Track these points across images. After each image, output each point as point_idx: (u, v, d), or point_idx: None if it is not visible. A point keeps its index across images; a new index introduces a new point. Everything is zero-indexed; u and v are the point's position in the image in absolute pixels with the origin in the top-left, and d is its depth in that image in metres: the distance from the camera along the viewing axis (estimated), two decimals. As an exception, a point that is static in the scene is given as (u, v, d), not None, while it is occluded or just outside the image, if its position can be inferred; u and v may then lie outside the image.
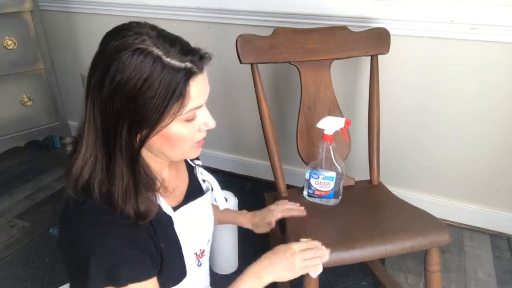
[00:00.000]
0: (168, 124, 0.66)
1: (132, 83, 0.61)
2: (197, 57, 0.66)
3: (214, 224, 0.98)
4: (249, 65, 1.24)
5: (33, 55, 1.91)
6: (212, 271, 1.51)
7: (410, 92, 1.61)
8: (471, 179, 1.68)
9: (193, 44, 0.69)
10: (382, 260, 1.55)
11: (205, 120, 0.72)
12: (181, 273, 0.80)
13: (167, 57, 0.62)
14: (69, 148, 2.10)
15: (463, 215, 1.74)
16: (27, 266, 1.54)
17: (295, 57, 1.27)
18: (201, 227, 0.89)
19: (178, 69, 0.63)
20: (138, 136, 0.66)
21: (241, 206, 1.45)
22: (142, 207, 0.68)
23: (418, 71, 1.56)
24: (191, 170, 0.93)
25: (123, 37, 0.62)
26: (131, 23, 0.66)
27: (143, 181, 0.70)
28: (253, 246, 1.58)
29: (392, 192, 1.30)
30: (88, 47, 2.18)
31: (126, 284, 0.67)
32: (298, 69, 1.29)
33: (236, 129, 2.02)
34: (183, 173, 0.89)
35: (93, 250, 0.65)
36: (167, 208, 0.77)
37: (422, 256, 1.15)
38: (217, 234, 1.42)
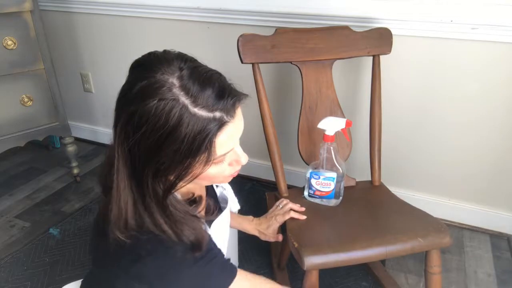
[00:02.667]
0: (197, 173, 0.63)
1: (157, 135, 0.57)
2: (230, 103, 0.61)
3: None
4: (250, 65, 1.24)
5: (33, 55, 1.91)
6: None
7: (410, 92, 1.61)
8: (471, 179, 1.68)
9: (229, 80, 0.65)
10: (383, 261, 1.55)
11: (236, 157, 0.69)
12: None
13: (195, 106, 0.57)
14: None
15: (463, 215, 1.75)
16: (27, 266, 1.53)
17: (297, 57, 1.27)
18: (226, 235, 0.89)
19: (206, 120, 0.58)
20: (163, 182, 0.64)
21: (241, 206, 1.45)
22: (192, 238, 0.66)
23: (418, 71, 1.57)
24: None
25: (150, 77, 0.57)
26: (160, 56, 0.61)
27: (179, 217, 0.66)
28: (253, 246, 1.58)
29: (393, 192, 1.30)
30: (88, 47, 2.18)
31: None
32: (299, 69, 1.29)
33: (236, 129, 2.01)
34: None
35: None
36: (205, 225, 0.74)
37: (422, 256, 1.15)
38: (217, 234, 1.42)
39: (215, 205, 0.84)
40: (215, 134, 0.59)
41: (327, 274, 1.48)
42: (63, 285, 0.93)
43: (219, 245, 0.78)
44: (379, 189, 1.33)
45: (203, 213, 0.75)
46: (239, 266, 1.52)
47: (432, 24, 1.45)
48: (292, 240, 1.06)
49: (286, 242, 1.13)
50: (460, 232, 1.73)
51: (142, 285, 0.65)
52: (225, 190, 0.94)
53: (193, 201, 0.73)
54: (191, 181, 0.66)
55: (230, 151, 0.66)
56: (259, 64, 1.25)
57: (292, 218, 1.14)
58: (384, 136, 1.37)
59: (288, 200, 1.19)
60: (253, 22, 1.69)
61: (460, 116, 1.58)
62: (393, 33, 1.33)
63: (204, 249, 0.68)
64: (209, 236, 0.74)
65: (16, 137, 1.96)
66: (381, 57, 1.33)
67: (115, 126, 0.61)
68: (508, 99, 1.49)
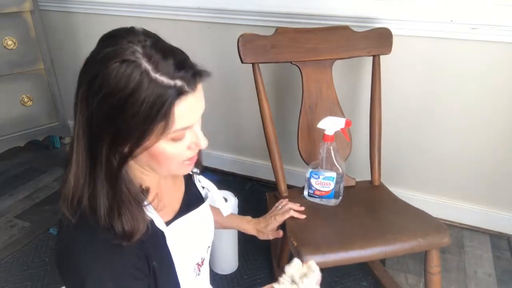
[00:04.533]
0: (153, 144, 0.62)
1: (116, 97, 0.57)
2: (190, 74, 0.60)
3: (216, 229, 0.96)
4: (250, 65, 1.24)
5: (33, 55, 1.91)
6: (212, 271, 1.51)
7: (410, 92, 1.61)
8: (471, 179, 1.68)
9: (192, 58, 0.64)
10: (383, 260, 1.55)
11: (196, 139, 0.67)
12: None
13: (156, 72, 0.57)
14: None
15: (463, 215, 1.75)
16: (27, 266, 1.53)
17: (297, 57, 1.27)
18: (200, 236, 0.86)
19: (166, 87, 0.58)
20: (119, 154, 0.62)
21: (241, 206, 1.45)
22: (127, 227, 0.64)
23: (418, 71, 1.57)
24: (188, 177, 0.88)
25: (115, 45, 0.58)
26: (127, 29, 0.62)
27: (127, 199, 0.65)
28: (253, 247, 1.58)
29: (393, 192, 1.30)
30: (88, 47, 2.15)
31: None
32: (299, 69, 1.29)
33: (236, 129, 2.02)
34: (179, 182, 0.85)
35: (84, 281, 0.63)
36: (159, 222, 0.72)
37: (422, 256, 1.15)
38: (217, 234, 1.41)
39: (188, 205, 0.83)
40: (174, 101, 0.59)
41: (327, 274, 1.48)
42: (63, 285, 0.93)
43: (182, 248, 0.76)
44: (379, 189, 1.33)
45: (158, 208, 0.73)
46: (239, 266, 1.53)
47: (432, 24, 1.45)
48: (292, 239, 1.06)
49: (286, 242, 1.13)
50: (460, 232, 1.73)
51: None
52: (210, 192, 0.92)
53: (141, 192, 0.70)
54: (149, 158, 0.65)
55: (189, 128, 0.64)
56: (259, 64, 1.25)
57: (291, 218, 1.14)
58: (384, 136, 1.37)
59: (288, 201, 1.19)
60: (253, 22, 1.69)
61: (460, 116, 1.58)
62: (393, 33, 1.33)
63: (134, 240, 0.65)
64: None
65: (16, 137, 1.96)
66: (381, 57, 1.33)
67: (76, 97, 0.62)
68: (508, 99, 1.49)
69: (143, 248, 0.68)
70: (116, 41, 0.59)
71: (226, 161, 2.11)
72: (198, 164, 0.95)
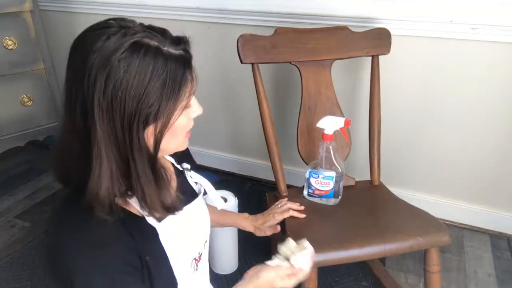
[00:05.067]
0: (180, 115, 0.66)
1: (140, 79, 0.59)
2: (183, 44, 0.66)
3: (213, 227, 0.96)
4: (250, 65, 1.25)
5: (33, 55, 1.91)
6: (212, 271, 1.51)
7: (410, 92, 1.61)
8: (471, 179, 1.68)
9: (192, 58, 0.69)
10: (383, 260, 1.55)
11: (195, 107, 0.71)
12: (171, 285, 0.77)
13: (164, 46, 0.62)
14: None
15: (463, 215, 1.75)
16: (27, 266, 1.53)
17: (296, 57, 1.27)
18: (196, 231, 0.86)
19: (177, 58, 0.63)
20: (153, 135, 0.64)
21: (241, 206, 1.45)
22: (170, 200, 0.69)
23: (418, 71, 1.57)
24: (180, 175, 0.89)
25: (109, 36, 0.59)
26: (106, 21, 0.63)
27: (162, 178, 0.69)
28: (253, 246, 1.58)
29: (393, 192, 1.30)
30: (88, 47, 2.18)
31: None
32: (299, 69, 1.30)
33: (236, 129, 2.02)
34: (171, 178, 0.85)
35: (73, 281, 0.62)
36: (151, 219, 0.72)
37: (422, 256, 1.15)
38: (217, 234, 1.42)
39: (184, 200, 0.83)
40: (189, 69, 0.64)
41: (327, 273, 1.48)
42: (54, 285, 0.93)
43: (178, 243, 0.77)
44: (379, 188, 1.33)
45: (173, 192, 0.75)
46: (239, 266, 1.53)
47: (432, 24, 1.45)
48: (291, 238, 1.05)
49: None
50: (460, 232, 1.73)
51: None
52: (202, 187, 0.92)
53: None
54: (170, 134, 0.67)
55: (193, 97, 0.69)
56: (259, 64, 1.25)
57: (291, 217, 1.14)
58: (383, 135, 1.37)
59: (287, 200, 1.19)
60: (253, 22, 1.69)
61: (460, 116, 1.58)
62: (392, 33, 1.33)
63: (178, 210, 0.71)
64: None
65: (16, 137, 1.96)
66: (381, 57, 1.33)
67: (93, 95, 0.60)
68: (508, 99, 1.49)
69: (135, 244, 0.68)
70: (106, 32, 0.60)
71: (226, 161, 2.11)
72: (189, 160, 0.96)
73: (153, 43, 0.61)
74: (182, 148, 0.75)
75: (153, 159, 0.66)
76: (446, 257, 1.58)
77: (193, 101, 0.70)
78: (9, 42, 1.82)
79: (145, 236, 0.72)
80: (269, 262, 0.89)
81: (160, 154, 0.70)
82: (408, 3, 1.45)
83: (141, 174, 0.65)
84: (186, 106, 0.67)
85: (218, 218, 1.10)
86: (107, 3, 1.96)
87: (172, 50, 0.63)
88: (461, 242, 1.67)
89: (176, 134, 0.69)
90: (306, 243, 0.90)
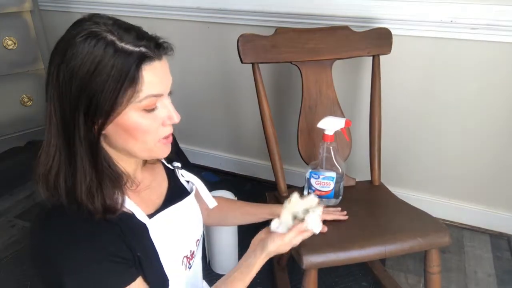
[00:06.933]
0: (123, 110, 0.64)
1: (85, 68, 0.60)
2: (153, 43, 0.65)
3: (235, 224, 0.95)
4: (250, 65, 1.24)
5: (33, 55, 1.91)
6: (212, 271, 1.51)
7: (410, 92, 1.61)
8: (471, 179, 1.68)
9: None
10: (383, 260, 1.55)
11: (168, 113, 0.68)
12: (163, 282, 0.77)
13: (121, 42, 0.62)
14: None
15: (463, 215, 1.75)
16: (27, 266, 1.53)
17: (297, 57, 1.27)
18: (188, 228, 0.86)
19: (131, 53, 0.62)
20: (96, 125, 0.64)
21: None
22: (109, 201, 0.67)
23: (418, 71, 1.57)
24: (171, 174, 0.89)
25: (80, 26, 0.63)
26: (91, 14, 0.66)
27: (107, 174, 0.68)
28: (253, 246, 1.58)
29: (393, 192, 1.30)
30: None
31: None
32: (299, 69, 1.29)
33: (236, 129, 2.02)
34: (161, 177, 0.86)
35: (61, 276, 0.63)
36: (141, 215, 0.73)
37: (422, 256, 1.15)
38: (217, 234, 1.42)
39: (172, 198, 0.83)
40: (140, 64, 0.62)
41: (327, 274, 1.48)
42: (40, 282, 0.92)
43: (168, 241, 0.77)
44: (379, 189, 1.33)
45: (137, 190, 0.75)
46: (239, 266, 1.52)
47: (432, 24, 1.45)
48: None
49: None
50: (460, 232, 1.73)
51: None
52: (194, 186, 0.91)
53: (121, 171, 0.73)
54: (125, 134, 0.66)
55: (159, 98, 0.66)
56: (259, 64, 1.25)
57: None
58: (384, 136, 1.37)
59: (321, 207, 0.90)
60: (253, 22, 1.69)
61: (460, 116, 1.58)
62: (393, 33, 1.33)
63: (117, 213, 0.68)
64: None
65: (16, 137, 1.96)
66: (382, 57, 1.33)
67: (48, 74, 0.64)
68: (508, 99, 1.49)
69: (125, 240, 0.69)
70: (82, 23, 0.64)
71: (226, 161, 2.11)
72: (181, 158, 0.94)
73: (110, 36, 0.61)
74: (159, 154, 0.73)
75: (95, 154, 0.65)
76: (446, 257, 1.58)
77: (161, 104, 0.68)
78: (9, 42, 1.82)
79: (136, 233, 0.72)
80: (272, 227, 0.87)
81: (132, 157, 0.71)
82: (408, 3, 1.45)
83: (78, 167, 0.65)
84: (147, 107, 0.65)
85: (255, 210, 1.09)
86: (107, 3, 1.96)
87: (129, 46, 0.62)
88: (461, 242, 1.67)
89: (135, 135, 0.67)
90: (315, 199, 0.83)
